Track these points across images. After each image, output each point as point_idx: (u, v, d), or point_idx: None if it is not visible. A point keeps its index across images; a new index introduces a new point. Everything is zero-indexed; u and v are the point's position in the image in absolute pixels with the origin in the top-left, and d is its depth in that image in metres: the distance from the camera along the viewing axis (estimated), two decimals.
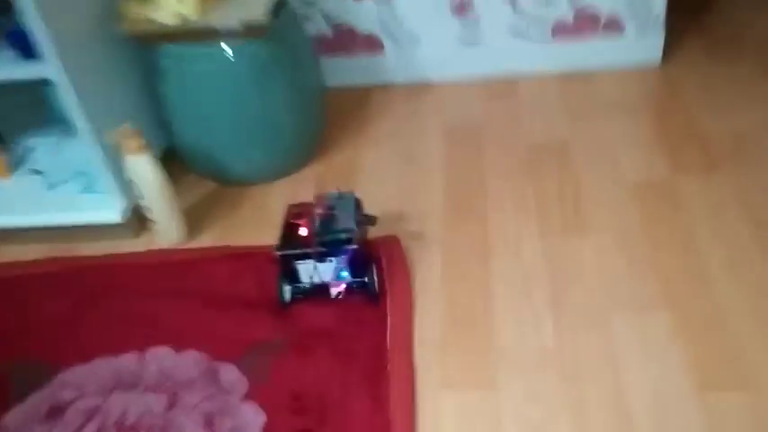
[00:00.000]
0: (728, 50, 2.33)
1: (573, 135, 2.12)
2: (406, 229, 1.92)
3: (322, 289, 1.76)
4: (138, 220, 2.06)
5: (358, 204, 1.78)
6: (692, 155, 1.99)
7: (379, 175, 2.13)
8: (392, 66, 2.42)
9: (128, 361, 1.72)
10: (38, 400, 1.67)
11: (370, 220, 1.77)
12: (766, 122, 2.02)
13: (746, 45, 2.34)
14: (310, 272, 1.73)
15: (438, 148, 2.19)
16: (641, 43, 2.28)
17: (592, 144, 2.09)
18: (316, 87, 2.20)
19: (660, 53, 2.29)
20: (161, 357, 1.71)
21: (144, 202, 1.97)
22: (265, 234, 1.91)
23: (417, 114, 2.32)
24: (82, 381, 1.69)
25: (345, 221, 1.72)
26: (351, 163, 2.20)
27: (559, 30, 2.30)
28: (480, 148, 2.16)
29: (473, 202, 1.97)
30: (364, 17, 2.34)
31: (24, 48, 1.79)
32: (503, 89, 2.35)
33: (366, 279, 1.73)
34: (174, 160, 2.16)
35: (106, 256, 2.03)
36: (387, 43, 2.38)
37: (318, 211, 1.74)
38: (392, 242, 1.91)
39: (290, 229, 1.75)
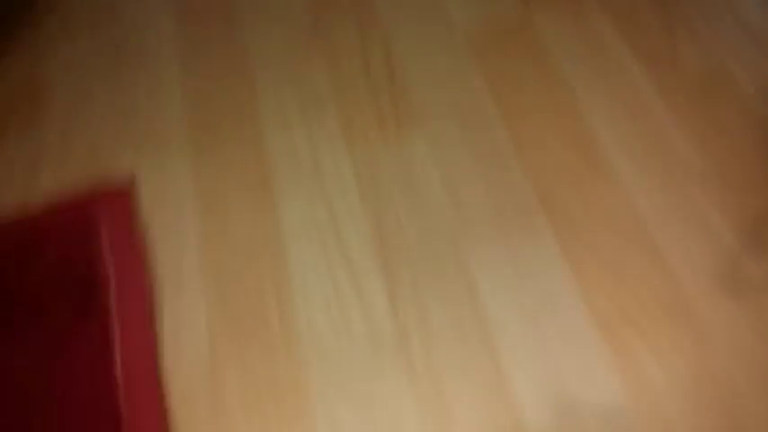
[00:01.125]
0: None
1: None
2: (127, 171, 1.20)
3: None
4: None
5: None
6: None
7: (77, 87, 1.34)
8: None
9: None
10: None
11: None
12: None
13: None
14: None
15: (165, 27, 1.42)
16: None
17: None
18: None
19: None
20: None
21: None
22: None
23: None
24: None
25: None
26: (29, 77, 1.37)
27: None
28: (232, 14, 1.41)
29: (236, 110, 1.26)
30: None
31: None
32: None
33: None
34: None
35: None
36: None
37: None
38: (114, 198, 1.16)
39: None
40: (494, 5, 1.33)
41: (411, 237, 1.05)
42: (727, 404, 0.86)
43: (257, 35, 1.38)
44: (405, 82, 1.24)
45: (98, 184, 1.19)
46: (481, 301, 0.99)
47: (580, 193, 1.07)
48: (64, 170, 1.22)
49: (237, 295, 1.06)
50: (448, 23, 1.32)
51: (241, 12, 1.42)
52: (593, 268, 0.99)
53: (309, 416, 0.94)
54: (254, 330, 1.02)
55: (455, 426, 0.90)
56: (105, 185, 1.18)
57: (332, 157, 1.16)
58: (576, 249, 1.01)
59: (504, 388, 0.92)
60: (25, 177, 1.22)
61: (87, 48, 1.40)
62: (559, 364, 0.92)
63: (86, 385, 0.99)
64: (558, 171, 1.09)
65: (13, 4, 1.49)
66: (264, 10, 1.43)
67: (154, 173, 1.20)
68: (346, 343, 0.98)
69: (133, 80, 1.34)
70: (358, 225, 1.08)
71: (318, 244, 1.07)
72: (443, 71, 1.25)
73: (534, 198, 1.06)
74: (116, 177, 1.19)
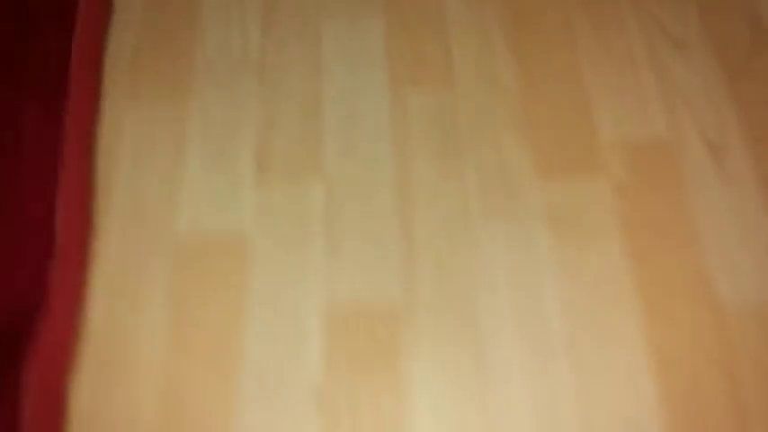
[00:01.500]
0: None
1: None
2: None
3: None
4: None
5: None
6: None
7: None
8: None
9: None
10: None
11: None
12: None
13: None
14: None
15: None
16: None
17: None
18: None
19: None
20: None
21: None
22: None
23: None
24: None
25: None
26: None
27: None
28: None
29: None
30: None
31: None
32: None
33: None
34: None
35: None
36: None
37: None
38: None
39: None
40: None
41: (288, 8, 1.51)
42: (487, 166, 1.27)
43: None
44: None
45: None
46: (323, 50, 1.44)
47: None
48: None
49: (165, 37, 1.48)
50: None
51: None
52: (402, 43, 1.43)
53: (187, 117, 1.38)
54: (167, 55, 1.46)
55: (279, 119, 1.34)
56: None
57: None
58: (395, 29, 1.46)
59: (316, 111, 1.36)
60: None
61: None
62: (357, 107, 1.37)
63: (50, 47, 1.44)
64: None
65: None
66: None
67: None
68: (226, 63, 1.44)
69: None
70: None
71: (225, 10, 1.53)
72: None
73: None
74: None
